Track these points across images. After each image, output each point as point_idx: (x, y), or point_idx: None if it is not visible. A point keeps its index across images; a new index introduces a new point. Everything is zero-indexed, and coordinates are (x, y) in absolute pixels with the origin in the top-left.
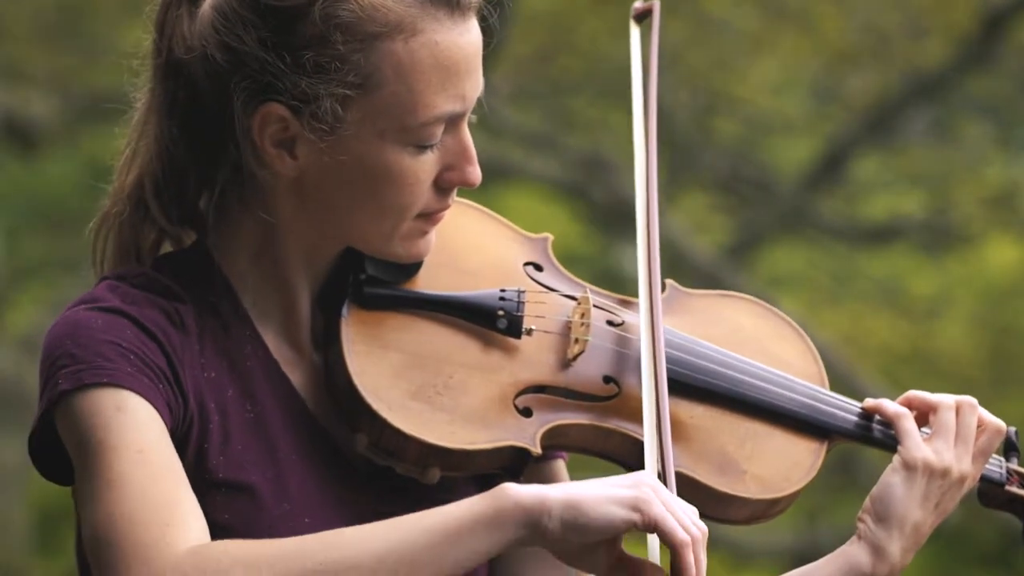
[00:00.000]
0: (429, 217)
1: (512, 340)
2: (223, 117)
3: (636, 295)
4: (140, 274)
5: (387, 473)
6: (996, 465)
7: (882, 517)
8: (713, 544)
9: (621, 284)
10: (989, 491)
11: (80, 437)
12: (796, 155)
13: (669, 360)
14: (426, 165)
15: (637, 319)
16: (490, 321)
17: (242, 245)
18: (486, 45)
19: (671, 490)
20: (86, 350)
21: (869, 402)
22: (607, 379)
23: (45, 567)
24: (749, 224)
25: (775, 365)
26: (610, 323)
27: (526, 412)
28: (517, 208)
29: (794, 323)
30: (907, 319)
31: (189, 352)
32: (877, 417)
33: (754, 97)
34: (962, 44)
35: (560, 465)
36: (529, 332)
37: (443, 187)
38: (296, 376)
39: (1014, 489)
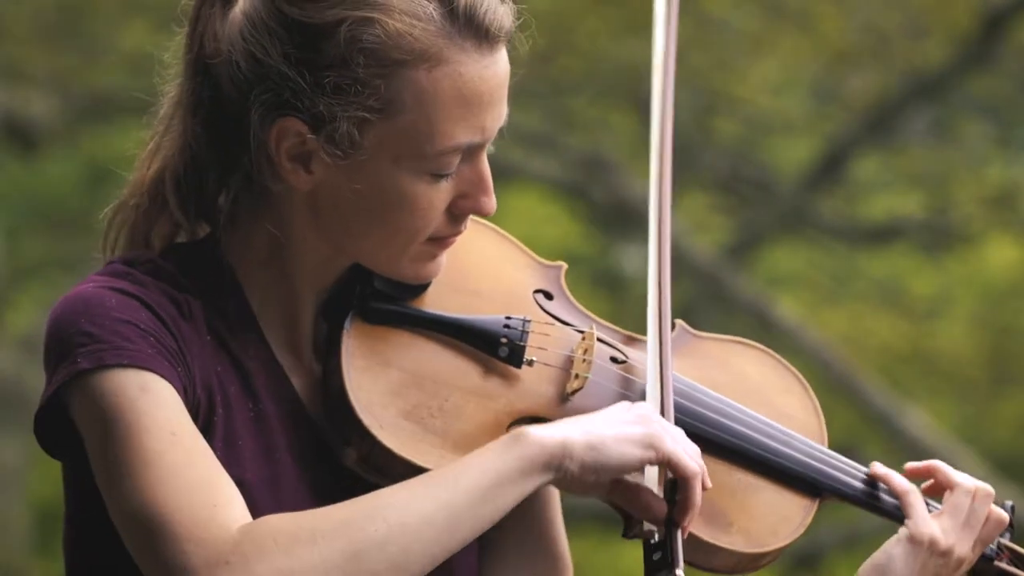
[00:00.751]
0: (440, 241)
1: (512, 369)
2: (242, 125)
3: (643, 325)
4: (149, 261)
5: (375, 487)
6: None
7: None
8: None
9: (619, 283)
10: (979, 567)
11: (104, 417)
12: (796, 155)
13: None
14: (441, 193)
15: (641, 358)
16: (492, 348)
17: (251, 251)
18: (514, 75)
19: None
20: (104, 329)
21: (878, 469)
22: None
23: (44, 567)
24: (749, 224)
25: (776, 417)
26: (614, 360)
27: None
28: (517, 208)
29: (800, 376)
30: (907, 319)
31: (197, 343)
32: (873, 481)
33: (754, 97)
34: (962, 44)
35: (552, 492)
36: (530, 363)
37: (456, 214)
38: (297, 381)
39: (1003, 565)
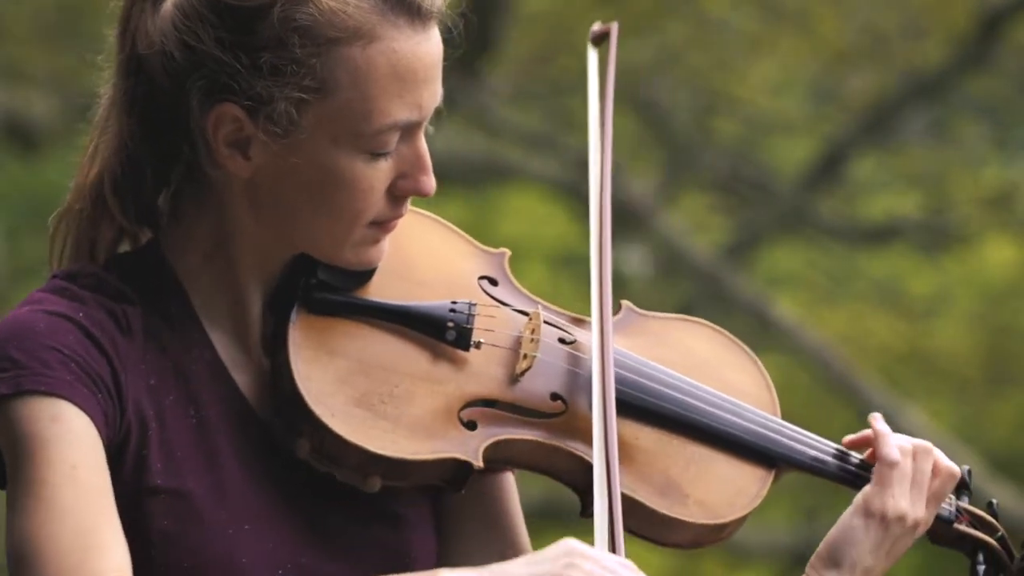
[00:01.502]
0: (382, 225)
1: (461, 352)
2: (179, 115)
3: (610, 308)
4: (91, 274)
5: (329, 479)
6: (946, 503)
7: (836, 563)
8: None
9: (618, 283)
10: (938, 529)
11: (15, 444)
12: (795, 155)
13: (617, 380)
14: (380, 173)
15: (589, 337)
16: (439, 332)
17: (195, 245)
18: (447, 57)
19: (616, 516)
20: (27, 355)
21: (856, 437)
22: (554, 396)
23: None
24: (748, 224)
25: (726, 391)
26: (562, 340)
27: (470, 425)
28: (517, 208)
29: (749, 351)
30: (905, 318)
31: (133, 358)
32: (826, 449)
33: (753, 97)
34: (960, 45)
35: (508, 479)
36: (478, 345)
37: (397, 195)
38: (243, 379)
39: (963, 527)
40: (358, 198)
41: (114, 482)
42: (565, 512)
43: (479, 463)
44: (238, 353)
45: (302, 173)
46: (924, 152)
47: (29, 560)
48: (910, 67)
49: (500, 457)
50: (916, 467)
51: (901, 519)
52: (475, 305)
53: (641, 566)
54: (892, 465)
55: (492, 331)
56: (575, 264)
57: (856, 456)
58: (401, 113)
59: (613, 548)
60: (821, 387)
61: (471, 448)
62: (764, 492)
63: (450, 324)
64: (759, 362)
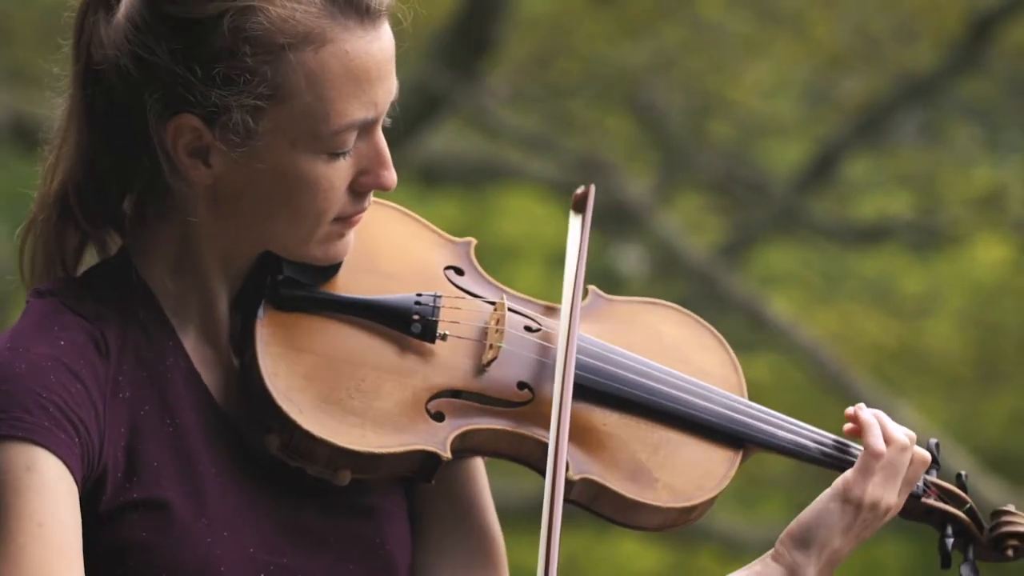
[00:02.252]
0: (346, 220)
1: (427, 345)
2: (138, 126)
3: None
4: (68, 293)
5: (302, 476)
6: None
7: (806, 543)
8: (705, 537)
9: (615, 283)
10: (907, 504)
11: None
12: (788, 157)
13: (583, 367)
14: (340, 171)
15: (556, 325)
16: (405, 325)
17: (161, 252)
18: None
19: (555, 526)
20: (7, 399)
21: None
22: (521, 385)
23: None
24: (743, 224)
25: (694, 373)
26: (528, 329)
27: (438, 416)
28: (516, 208)
29: (716, 332)
30: (897, 317)
31: (110, 378)
32: (794, 429)
33: (747, 100)
34: (951, 48)
35: (477, 464)
36: (443, 337)
37: (358, 191)
38: (214, 378)
39: (931, 501)
40: (320, 198)
41: (95, 505)
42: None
43: (447, 454)
44: (209, 351)
45: (263, 177)
46: (915, 153)
47: None
48: (902, 70)
49: (468, 446)
50: (899, 458)
51: (875, 505)
52: (440, 297)
53: (636, 561)
54: (878, 456)
55: (457, 323)
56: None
57: (824, 435)
58: (358, 113)
59: (550, 537)
60: (814, 385)
61: (439, 439)
62: (732, 473)
63: (415, 317)
64: (725, 343)
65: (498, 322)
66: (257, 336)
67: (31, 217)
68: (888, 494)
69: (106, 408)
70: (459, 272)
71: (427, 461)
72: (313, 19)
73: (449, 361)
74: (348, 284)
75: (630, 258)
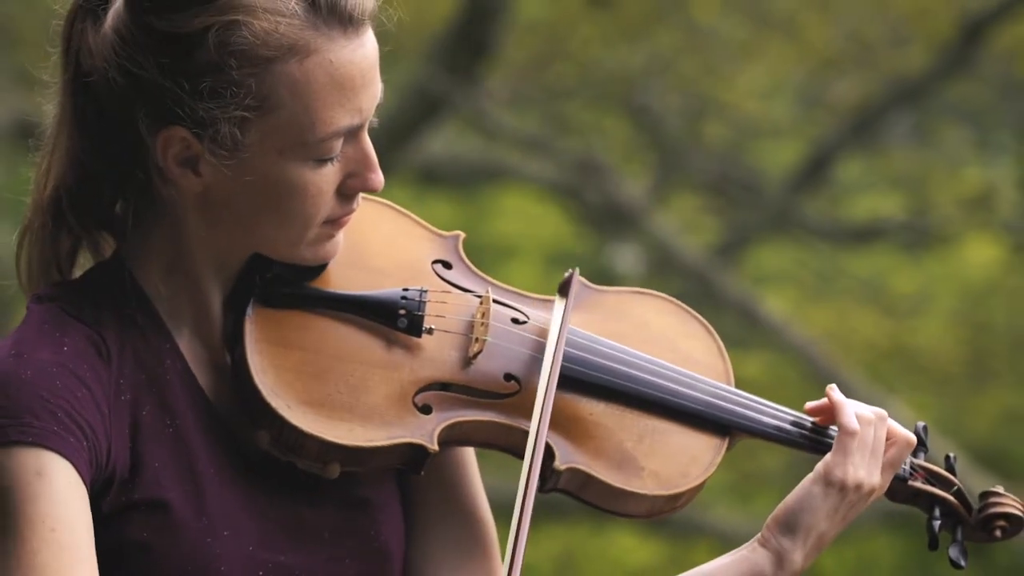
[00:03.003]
0: (335, 222)
1: (414, 339)
2: (128, 135)
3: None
4: (68, 299)
5: (295, 471)
6: None
7: (791, 528)
8: (700, 531)
9: (613, 282)
10: (893, 487)
11: (1, 495)
12: (782, 158)
13: (569, 359)
14: (328, 176)
15: (543, 318)
16: (391, 320)
17: (154, 255)
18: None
19: (523, 532)
20: (13, 402)
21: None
22: (508, 377)
23: None
24: (737, 224)
25: (680, 362)
26: (515, 321)
27: (425, 409)
28: (514, 208)
29: (703, 320)
30: (889, 316)
31: (112, 382)
32: (780, 416)
33: (742, 102)
34: (942, 51)
35: (467, 451)
36: (430, 331)
37: (346, 194)
38: (208, 378)
39: (917, 484)
40: (309, 203)
41: (99, 506)
42: (556, 506)
43: (434, 447)
44: (204, 351)
45: (252, 185)
46: (907, 155)
47: None
48: (894, 73)
49: (456, 438)
50: (874, 436)
51: (859, 487)
52: (426, 291)
53: (632, 556)
54: (852, 434)
55: (443, 317)
56: (570, 262)
57: (809, 420)
58: (343, 120)
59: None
60: (808, 383)
61: (426, 432)
62: (718, 460)
63: (401, 312)
64: (712, 330)
65: (484, 315)
66: (246, 333)
67: (26, 223)
68: (871, 474)
69: (111, 411)
70: (447, 266)
71: (415, 454)
72: (297, 31)
73: (436, 354)
74: (337, 280)
75: (626, 258)
